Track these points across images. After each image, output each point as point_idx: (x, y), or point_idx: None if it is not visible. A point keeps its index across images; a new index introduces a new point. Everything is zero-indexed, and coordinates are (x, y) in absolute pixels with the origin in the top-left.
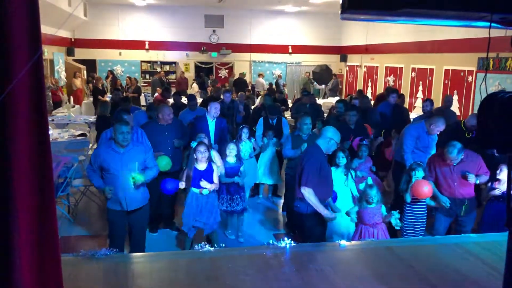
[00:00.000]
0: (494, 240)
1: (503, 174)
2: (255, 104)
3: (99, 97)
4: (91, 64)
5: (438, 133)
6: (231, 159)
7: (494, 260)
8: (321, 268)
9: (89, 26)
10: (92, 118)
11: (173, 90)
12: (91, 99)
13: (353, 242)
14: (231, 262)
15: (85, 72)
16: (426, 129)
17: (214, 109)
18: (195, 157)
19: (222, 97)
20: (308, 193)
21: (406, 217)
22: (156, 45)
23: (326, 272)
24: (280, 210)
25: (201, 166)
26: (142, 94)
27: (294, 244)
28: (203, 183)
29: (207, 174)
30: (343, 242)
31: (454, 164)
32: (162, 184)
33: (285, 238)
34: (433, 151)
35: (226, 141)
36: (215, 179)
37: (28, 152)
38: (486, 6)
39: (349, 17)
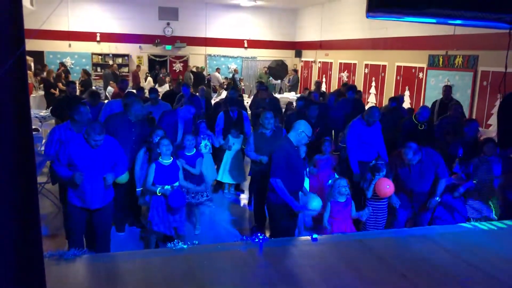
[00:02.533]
0: (455, 231)
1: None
2: (213, 98)
3: (52, 90)
4: (38, 56)
5: (374, 123)
6: (189, 150)
7: (456, 249)
8: (296, 262)
9: (36, 16)
10: (43, 113)
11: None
12: (41, 92)
13: (325, 236)
14: (206, 259)
15: (32, 64)
16: (365, 122)
17: (188, 113)
18: (159, 151)
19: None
20: (276, 184)
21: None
22: (108, 37)
23: (301, 265)
24: (242, 204)
25: (166, 161)
26: (94, 87)
27: (268, 239)
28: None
29: (172, 170)
30: (316, 236)
31: (413, 163)
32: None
33: (258, 234)
34: (381, 139)
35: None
36: (181, 176)
37: (12, 148)
38: (507, 8)
39: (376, 15)
